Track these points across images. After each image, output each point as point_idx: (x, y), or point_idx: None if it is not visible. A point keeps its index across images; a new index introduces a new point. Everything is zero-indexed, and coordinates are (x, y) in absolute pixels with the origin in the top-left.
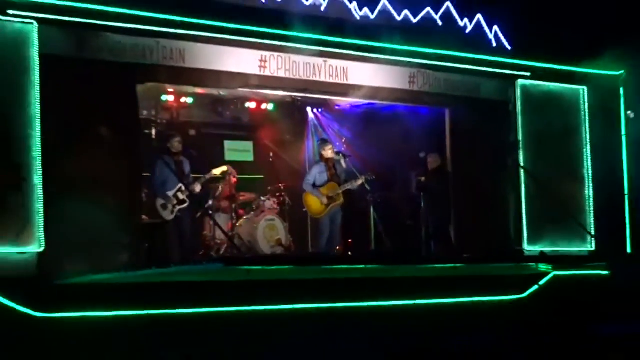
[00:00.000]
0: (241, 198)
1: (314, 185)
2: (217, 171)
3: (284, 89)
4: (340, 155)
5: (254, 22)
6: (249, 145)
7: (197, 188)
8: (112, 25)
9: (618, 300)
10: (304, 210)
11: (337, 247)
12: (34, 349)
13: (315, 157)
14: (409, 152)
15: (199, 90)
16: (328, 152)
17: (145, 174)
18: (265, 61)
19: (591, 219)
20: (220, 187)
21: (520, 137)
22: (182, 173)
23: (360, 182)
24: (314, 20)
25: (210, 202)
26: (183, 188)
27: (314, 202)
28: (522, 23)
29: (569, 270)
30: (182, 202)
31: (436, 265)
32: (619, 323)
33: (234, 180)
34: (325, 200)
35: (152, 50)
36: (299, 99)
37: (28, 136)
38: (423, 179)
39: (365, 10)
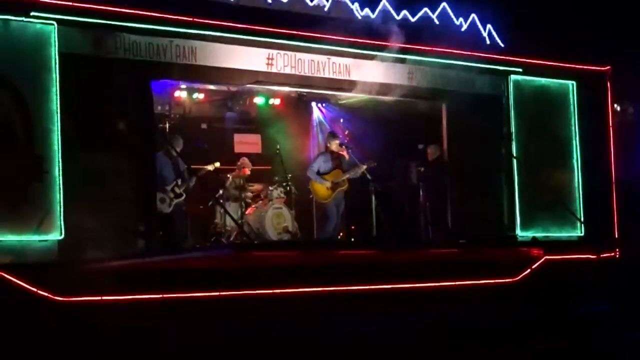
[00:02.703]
0: (250, 188)
1: (319, 173)
2: (210, 167)
3: (289, 85)
4: (343, 146)
5: (261, 22)
6: (257, 138)
7: (192, 183)
8: (127, 25)
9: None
10: (311, 197)
11: (341, 234)
12: (54, 331)
13: (321, 148)
14: (407, 143)
15: (210, 86)
16: (334, 145)
17: None
18: (272, 59)
19: (580, 206)
20: (230, 177)
21: (512, 129)
22: (178, 169)
23: (363, 169)
24: (318, 19)
25: (221, 192)
26: (179, 182)
27: (320, 188)
28: (514, 22)
29: (560, 255)
30: (178, 195)
31: (434, 250)
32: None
33: (247, 172)
34: (329, 185)
35: (166, 48)
36: (304, 94)
37: (49, 130)
38: (423, 169)
39: (366, 10)
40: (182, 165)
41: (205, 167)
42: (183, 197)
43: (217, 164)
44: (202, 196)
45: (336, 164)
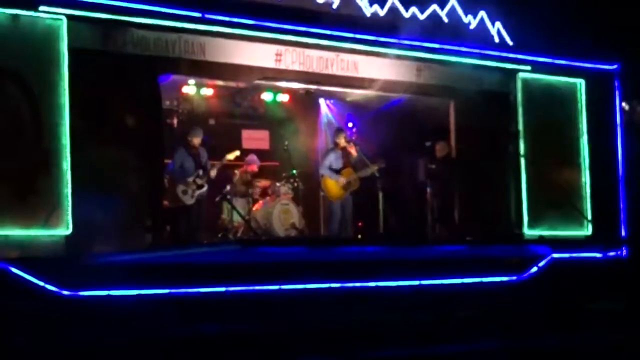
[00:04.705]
0: (257, 184)
1: (332, 169)
2: (230, 156)
3: (298, 81)
4: (351, 143)
5: (270, 19)
6: (265, 134)
7: (213, 173)
8: (136, 20)
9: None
10: (323, 195)
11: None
12: (62, 325)
13: (329, 144)
14: (415, 140)
15: (218, 82)
16: (342, 141)
17: (167, 161)
18: (281, 55)
19: (588, 205)
20: (237, 173)
21: (520, 127)
22: (199, 162)
23: (374, 168)
24: (327, 16)
25: (228, 187)
26: (201, 174)
27: (333, 186)
28: (523, 19)
29: (567, 253)
30: (200, 187)
31: (441, 248)
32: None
33: (255, 168)
34: (344, 183)
35: (174, 44)
36: (312, 90)
37: (57, 124)
38: (433, 166)
39: (375, 7)
40: (205, 156)
41: (226, 156)
42: (205, 188)
43: (237, 153)
44: (209, 192)
45: (346, 161)
